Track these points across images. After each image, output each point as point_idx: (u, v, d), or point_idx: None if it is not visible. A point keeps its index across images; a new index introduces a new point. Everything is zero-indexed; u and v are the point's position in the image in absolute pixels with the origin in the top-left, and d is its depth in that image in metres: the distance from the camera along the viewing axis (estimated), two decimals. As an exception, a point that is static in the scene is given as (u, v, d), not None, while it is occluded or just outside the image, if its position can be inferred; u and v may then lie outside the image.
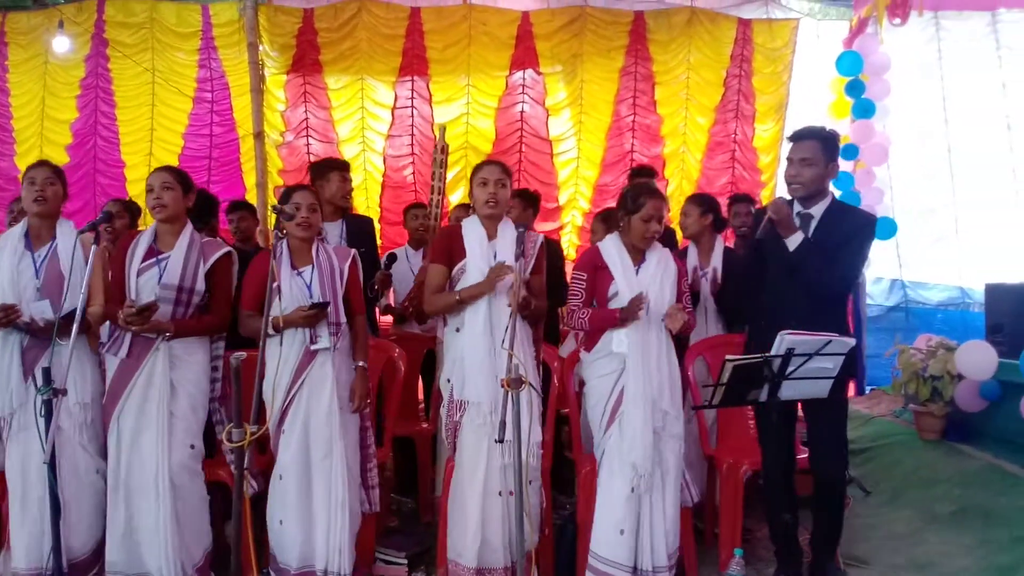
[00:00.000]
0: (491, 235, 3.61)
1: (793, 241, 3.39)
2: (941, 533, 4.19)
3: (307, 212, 3.52)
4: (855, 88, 7.22)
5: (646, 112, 7.83)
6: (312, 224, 3.55)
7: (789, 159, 3.50)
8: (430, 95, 7.79)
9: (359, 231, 4.64)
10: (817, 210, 3.50)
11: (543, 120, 7.91)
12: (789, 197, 3.54)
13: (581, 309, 3.60)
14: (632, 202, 3.55)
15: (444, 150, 5.29)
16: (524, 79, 7.81)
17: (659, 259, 3.62)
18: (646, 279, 3.56)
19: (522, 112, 7.87)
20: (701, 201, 4.58)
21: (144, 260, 3.51)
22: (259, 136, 7.39)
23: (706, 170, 7.88)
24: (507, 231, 3.61)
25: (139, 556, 3.46)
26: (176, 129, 7.92)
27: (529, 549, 3.48)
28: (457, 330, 3.60)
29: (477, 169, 3.67)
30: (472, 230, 3.64)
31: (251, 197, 7.46)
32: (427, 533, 4.26)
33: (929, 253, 8.20)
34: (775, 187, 7.79)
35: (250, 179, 7.66)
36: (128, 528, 3.44)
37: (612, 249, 3.62)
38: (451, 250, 3.64)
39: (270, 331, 3.36)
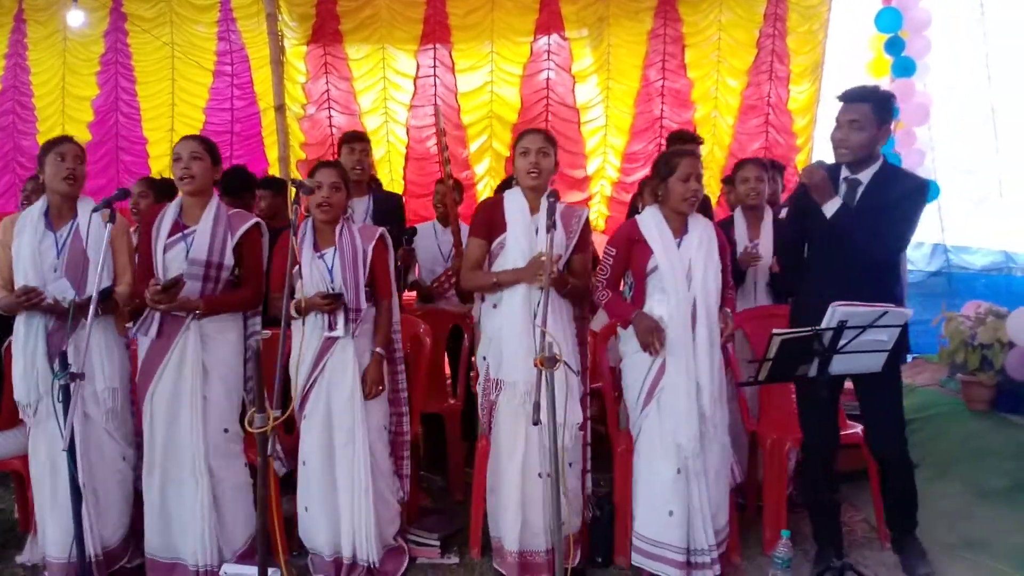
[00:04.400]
0: (534, 208, 3.42)
1: (830, 208, 3.20)
2: (994, 508, 4.03)
3: (328, 192, 3.37)
4: (895, 45, 6.96)
5: (676, 76, 7.57)
6: (333, 204, 3.39)
7: (837, 121, 3.29)
8: (453, 64, 7.61)
9: (387, 208, 4.53)
10: (865, 175, 3.30)
11: (569, 87, 7.68)
12: (834, 161, 3.35)
13: (604, 289, 3.45)
14: (666, 165, 3.37)
15: (444, 132, 5.09)
16: (549, 45, 7.59)
17: (702, 231, 3.42)
18: (688, 252, 3.37)
19: (548, 79, 7.65)
20: (764, 165, 4.37)
21: (170, 235, 3.40)
22: (280, 109, 7.30)
23: (738, 135, 7.61)
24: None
25: (173, 541, 3.41)
26: (197, 104, 7.86)
27: (570, 533, 3.39)
28: (494, 306, 3.45)
29: (519, 138, 3.50)
30: (514, 202, 3.45)
31: (274, 172, 7.40)
32: (459, 512, 4.17)
33: (972, 216, 7.94)
34: (811, 152, 7.51)
35: (272, 153, 7.59)
36: (163, 512, 3.39)
37: (650, 221, 3.42)
38: (491, 223, 3.47)
39: (293, 314, 3.25)
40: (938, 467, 4.58)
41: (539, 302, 2.86)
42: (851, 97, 3.29)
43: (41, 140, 8.02)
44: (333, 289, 3.35)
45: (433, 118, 7.61)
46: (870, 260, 3.24)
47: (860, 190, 3.29)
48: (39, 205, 3.50)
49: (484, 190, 7.55)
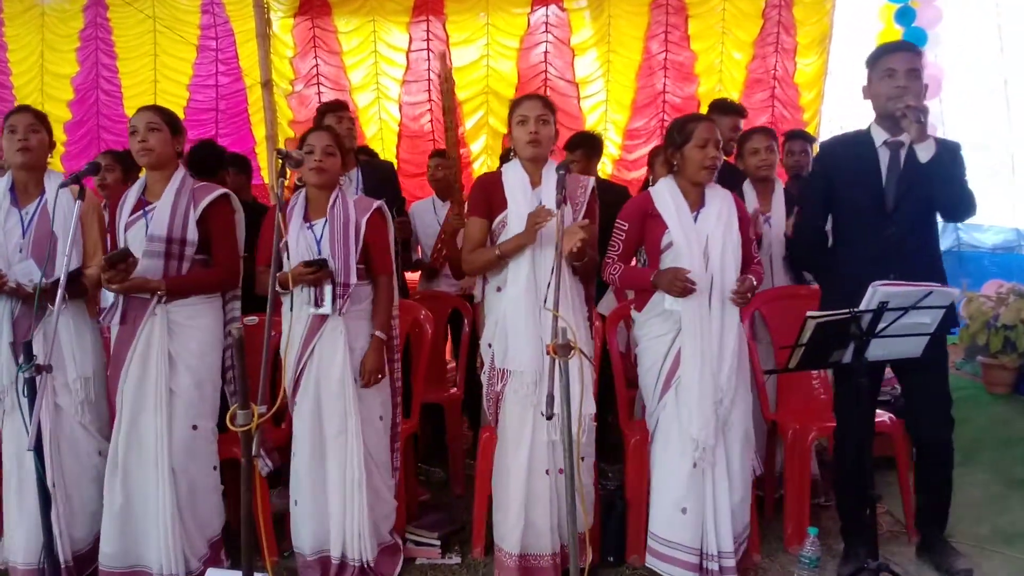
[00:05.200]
0: (535, 181, 3.18)
1: (926, 151, 2.91)
2: (1026, 500, 3.82)
3: (321, 155, 3.13)
4: (905, 16, 6.71)
5: (679, 48, 7.27)
6: (327, 168, 3.15)
7: (891, 70, 3.00)
8: (447, 36, 7.29)
9: (378, 178, 4.25)
10: (906, 137, 3.03)
11: (568, 61, 7.38)
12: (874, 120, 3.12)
13: (615, 263, 3.21)
14: (679, 133, 3.12)
15: (449, 79, 4.80)
16: (547, 16, 7.29)
17: (721, 203, 3.17)
18: (706, 226, 3.12)
19: (546, 52, 7.35)
20: (773, 134, 4.12)
21: (132, 213, 3.16)
22: (267, 85, 7.03)
23: (744, 109, 7.35)
24: (552, 175, 3.15)
25: (135, 547, 3.14)
26: (181, 80, 7.57)
27: (581, 532, 3.17)
28: (498, 289, 3.19)
29: (515, 106, 3.23)
30: (513, 176, 3.20)
31: (261, 150, 7.13)
32: (460, 507, 3.95)
33: (983, 193, 7.69)
34: (818, 126, 7.25)
35: (259, 131, 7.30)
36: (125, 515, 3.11)
37: (665, 194, 3.17)
38: (490, 200, 3.21)
39: (279, 290, 3.00)
40: (963, 453, 4.28)
41: (548, 284, 2.61)
42: (905, 47, 3.10)
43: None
44: None
45: (427, 93, 7.34)
46: (952, 210, 3.10)
47: (903, 152, 3.04)
48: (3, 182, 3.25)
49: (481, 169, 7.27)
